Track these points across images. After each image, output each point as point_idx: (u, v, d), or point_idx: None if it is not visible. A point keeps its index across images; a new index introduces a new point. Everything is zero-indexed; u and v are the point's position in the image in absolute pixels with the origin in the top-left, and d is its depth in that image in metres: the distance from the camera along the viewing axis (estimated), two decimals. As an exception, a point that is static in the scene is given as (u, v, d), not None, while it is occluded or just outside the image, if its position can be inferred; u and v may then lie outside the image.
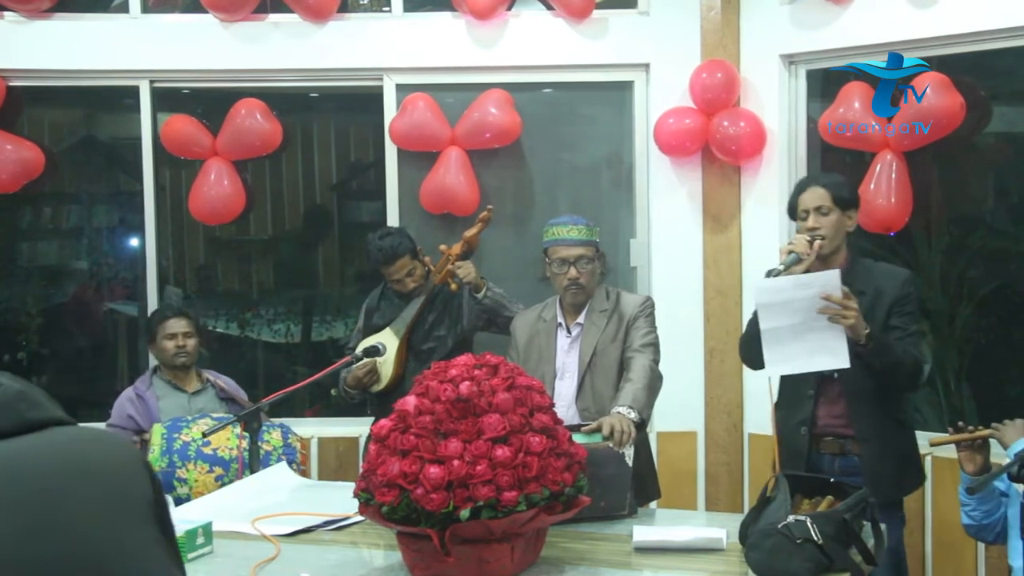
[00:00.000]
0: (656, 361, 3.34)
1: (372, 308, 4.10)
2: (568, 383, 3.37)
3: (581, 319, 3.41)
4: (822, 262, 3.13)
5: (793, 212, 3.30)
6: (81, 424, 1.87)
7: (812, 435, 3.20)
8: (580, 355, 3.37)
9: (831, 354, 3.01)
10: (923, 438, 4.20)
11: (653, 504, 3.45)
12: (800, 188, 3.30)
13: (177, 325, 4.18)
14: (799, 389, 3.21)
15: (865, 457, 3.16)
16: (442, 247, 3.83)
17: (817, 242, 3.15)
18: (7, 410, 1.75)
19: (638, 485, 3.32)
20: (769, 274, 3.06)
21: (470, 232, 3.73)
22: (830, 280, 2.99)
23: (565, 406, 3.32)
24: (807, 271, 3.06)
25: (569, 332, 3.42)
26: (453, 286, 3.74)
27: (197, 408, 4.10)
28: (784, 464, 3.12)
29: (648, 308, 3.42)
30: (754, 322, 3.16)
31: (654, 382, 3.28)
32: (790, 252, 3.10)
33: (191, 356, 4.18)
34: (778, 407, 3.30)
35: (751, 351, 3.21)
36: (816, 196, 3.21)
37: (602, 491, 2.83)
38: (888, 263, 3.41)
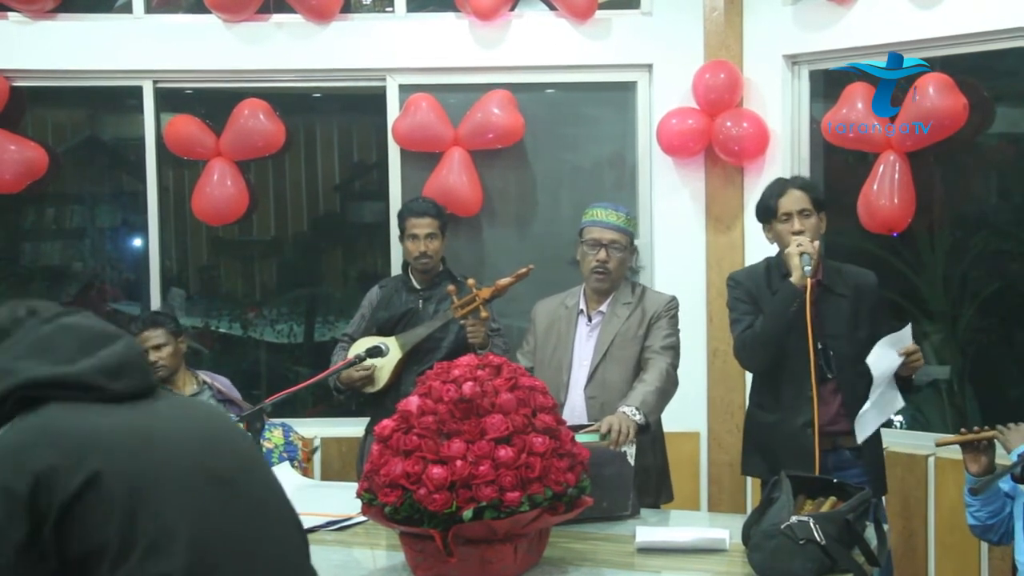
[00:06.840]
0: (674, 365, 3.33)
1: (382, 302, 4.06)
2: (581, 370, 3.37)
3: (603, 308, 3.40)
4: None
5: (770, 214, 3.26)
6: None
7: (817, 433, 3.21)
8: (597, 344, 3.36)
9: (890, 403, 3.17)
10: (927, 439, 4.23)
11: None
12: (778, 191, 3.26)
13: (148, 339, 3.99)
14: (801, 392, 3.18)
15: (865, 452, 3.24)
16: (471, 282, 3.77)
17: (816, 242, 3.15)
18: (139, 369, 1.64)
19: (651, 485, 3.33)
20: (804, 275, 3.06)
21: (504, 281, 3.66)
22: (906, 335, 3.10)
23: (576, 392, 3.34)
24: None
25: (590, 320, 3.42)
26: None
27: None
28: (792, 465, 3.14)
29: (673, 309, 3.40)
30: (770, 321, 3.17)
31: (668, 387, 3.26)
32: (802, 254, 3.09)
33: (168, 367, 3.99)
34: (770, 411, 3.32)
35: (766, 352, 3.23)
36: (797, 199, 3.22)
37: (604, 491, 2.83)
38: (851, 264, 3.39)
